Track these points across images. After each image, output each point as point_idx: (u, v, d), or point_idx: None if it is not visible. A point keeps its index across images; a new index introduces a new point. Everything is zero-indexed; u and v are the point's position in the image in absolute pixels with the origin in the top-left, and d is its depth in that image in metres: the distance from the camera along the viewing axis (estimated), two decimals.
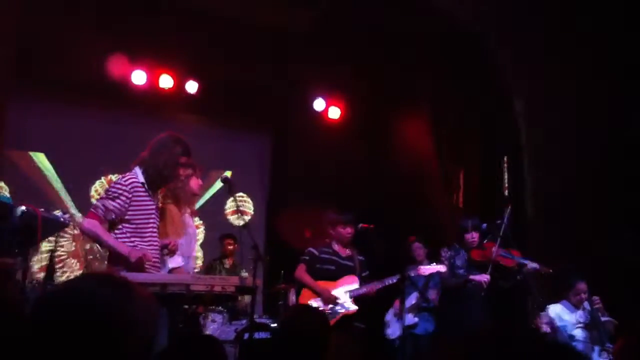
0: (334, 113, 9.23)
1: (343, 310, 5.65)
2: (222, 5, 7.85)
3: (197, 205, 8.60)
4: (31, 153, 8.16)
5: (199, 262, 8.02)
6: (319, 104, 9.15)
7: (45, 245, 4.96)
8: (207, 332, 5.88)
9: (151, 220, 4.21)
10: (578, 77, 6.96)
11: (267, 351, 5.20)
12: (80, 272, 7.61)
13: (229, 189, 4.65)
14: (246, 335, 5.66)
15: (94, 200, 7.97)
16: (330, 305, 5.64)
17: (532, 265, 5.94)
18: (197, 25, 7.67)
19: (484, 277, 5.99)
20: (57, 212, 3.94)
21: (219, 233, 8.05)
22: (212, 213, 8.92)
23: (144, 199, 4.18)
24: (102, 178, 8.45)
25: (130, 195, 4.10)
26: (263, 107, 8.82)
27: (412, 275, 5.78)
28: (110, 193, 4.12)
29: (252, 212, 9.44)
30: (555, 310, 6.07)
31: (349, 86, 8.88)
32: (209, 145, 8.21)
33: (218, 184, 8.52)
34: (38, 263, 3.88)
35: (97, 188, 8.34)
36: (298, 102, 9.10)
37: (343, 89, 9.03)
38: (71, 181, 8.25)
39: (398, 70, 8.38)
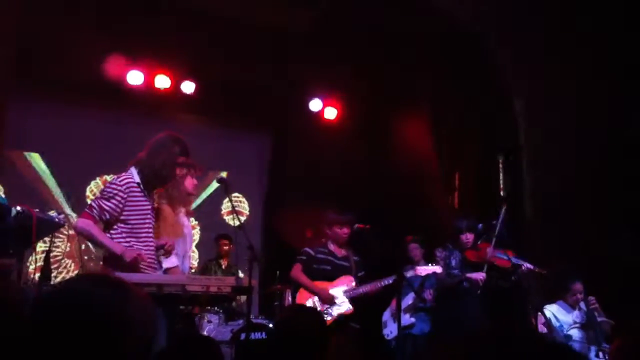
0: (332, 113, 9.22)
1: (340, 311, 5.65)
2: (222, 5, 7.85)
3: (193, 205, 8.65)
4: (26, 153, 8.17)
5: (194, 263, 8.01)
6: (317, 105, 9.14)
7: (40, 246, 4.95)
8: (203, 333, 5.89)
9: (147, 221, 4.20)
10: (578, 77, 6.95)
11: (263, 352, 5.20)
12: (76, 272, 7.64)
13: (225, 189, 4.65)
14: (242, 336, 5.65)
15: (89, 201, 7.99)
16: (327, 306, 5.64)
17: (526, 266, 5.94)
18: (197, 25, 7.67)
19: (480, 275, 5.99)
20: (52, 213, 3.93)
21: (215, 233, 8.06)
22: (208, 213, 8.92)
23: (139, 199, 4.17)
24: (98, 178, 8.46)
25: (125, 196, 4.09)
26: (263, 107, 8.82)
27: (409, 275, 5.78)
28: (105, 193, 4.12)
29: (248, 213, 9.44)
30: (552, 310, 6.07)
31: (349, 86, 8.87)
32: (207, 146, 8.21)
33: (214, 184, 8.51)
34: (33, 264, 3.88)
35: (93, 188, 8.35)
36: (298, 102, 9.10)
37: (343, 89, 9.03)
38: (67, 181, 8.26)
39: (398, 70, 8.37)
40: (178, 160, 4.26)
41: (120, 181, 4.12)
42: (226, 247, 7.70)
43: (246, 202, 9.48)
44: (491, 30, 7.74)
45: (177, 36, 7.65)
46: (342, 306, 5.67)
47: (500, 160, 7.25)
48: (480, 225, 6.23)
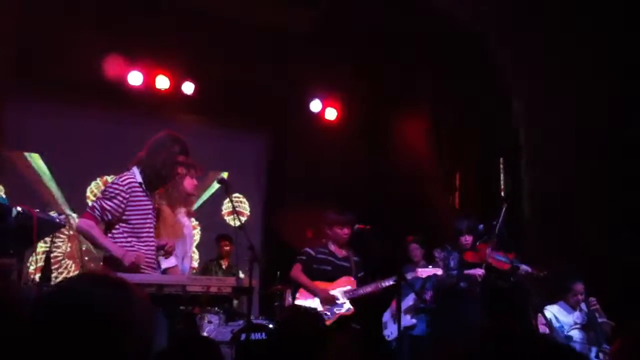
0: (332, 114, 9.22)
1: (340, 311, 5.64)
2: (222, 5, 7.85)
3: (194, 206, 8.65)
4: (26, 153, 8.16)
5: (195, 264, 8.01)
6: (316, 105, 9.14)
7: (41, 246, 4.96)
8: (203, 333, 5.88)
9: (148, 221, 4.20)
10: (578, 77, 6.95)
11: (263, 352, 5.20)
12: (76, 273, 7.63)
13: (226, 189, 4.65)
14: (242, 336, 5.65)
15: (89, 202, 7.98)
16: (327, 306, 5.64)
17: (525, 268, 5.94)
18: (197, 25, 7.66)
19: (479, 271, 6.00)
20: (53, 213, 3.94)
21: (215, 234, 8.06)
22: (209, 214, 8.91)
23: (141, 199, 4.17)
24: (98, 179, 8.46)
25: (127, 196, 4.09)
26: (262, 107, 8.82)
27: (410, 277, 5.78)
28: (107, 193, 4.11)
29: (249, 213, 9.44)
30: (553, 311, 6.08)
31: (349, 86, 8.87)
32: (207, 146, 8.20)
33: (215, 185, 8.50)
34: (33, 264, 3.89)
35: (93, 189, 8.35)
36: (298, 102, 9.10)
37: (343, 89, 9.03)
38: (67, 182, 8.26)
39: (398, 70, 8.37)
40: (178, 159, 4.25)
41: (122, 181, 4.12)
42: (227, 248, 7.69)
43: (247, 202, 9.48)
44: (491, 30, 7.75)
45: (177, 36, 7.65)
46: (343, 307, 5.67)
47: (501, 161, 7.26)
48: (481, 226, 6.23)
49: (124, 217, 4.10)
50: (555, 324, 5.97)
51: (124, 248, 4.03)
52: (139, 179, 4.18)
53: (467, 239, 6.24)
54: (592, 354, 5.70)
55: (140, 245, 4.11)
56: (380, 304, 7.04)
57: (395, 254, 6.34)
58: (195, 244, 8.32)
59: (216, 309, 6.36)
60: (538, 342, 1.56)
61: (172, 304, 3.97)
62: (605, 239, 6.54)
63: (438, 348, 6.10)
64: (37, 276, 4.10)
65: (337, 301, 5.66)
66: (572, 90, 7.06)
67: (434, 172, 8.55)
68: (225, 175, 8.23)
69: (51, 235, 4.06)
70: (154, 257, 4.23)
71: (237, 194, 9.17)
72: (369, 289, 5.70)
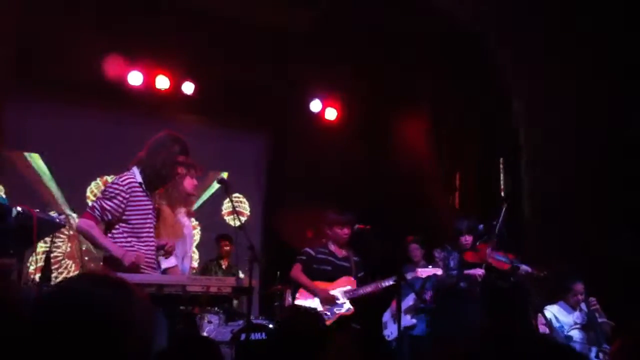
0: (332, 114, 9.22)
1: (340, 311, 5.64)
2: (222, 5, 7.85)
3: (194, 206, 8.65)
4: (26, 153, 8.16)
5: (195, 264, 8.01)
6: (316, 105, 9.14)
7: (41, 246, 4.96)
8: (203, 333, 5.88)
9: (148, 221, 4.20)
10: (578, 77, 6.95)
11: (263, 352, 5.20)
12: (76, 273, 7.62)
13: (226, 190, 4.65)
14: (242, 336, 5.65)
15: (89, 202, 7.98)
16: (328, 306, 5.64)
17: (524, 268, 5.94)
18: (197, 25, 7.66)
19: (479, 271, 6.00)
20: (53, 213, 3.93)
21: (215, 234, 8.06)
22: (209, 214, 8.91)
23: (141, 199, 4.17)
24: (98, 179, 8.45)
25: (127, 196, 4.09)
26: (262, 107, 8.82)
27: (410, 277, 5.77)
28: (107, 193, 4.11)
29: (248, 213, 9.44)
30: (553, 311, 6.08)
31: (349, 86, 8.87)
32: (207, 146, 8.20)
33: (215, 185, 8.50)
34: (33, 264, 3.89)
35: (93, 189, 8.35)
36: (298, 102, 9.10)
37: (343, 89, 9.02)
38: (67, 182, 8.25)
39: (398, 70, 8.36)
40: (178, 159, 4.25)
41: (122, 181, 4.12)
42: (227, 248, 7.69)
43: (246, 202, 9.48)
44: (491, 30, 7.74)
45: (177, 36, 7.65)
46: (343, 307, 5.67)
47: (501, 161, 7.25)
48: (481, 226, 6.23)
49: (124, 217, 4.10)
50: (555, 324, 5.97)
51: (124, 248, 4.04)
52: (139, 179, 4.18)
53: (467, 239, 6.24)
54: (592, 354, 5.70)
55: (140, 245, 4.11)
56: (381, 304, 7.04)
57: (395, 254, 6.33)
58: (195, 244, 8.31)
59: (216, 309, 6.36)
60: (538, 342, 1.55)
61: (172, 304, 3.97)
62: (605, 239, 6.54)
63: (438, 348, 6.09)
64: (37, 276, 4.10)
65: (337, 301, 5.66)
66: (572, 90, 7.06)
67: (434, 172, 8.55)
68: (225, 175, 8.23)
69: (51, 235, 4.06)
70: (154, 257, 4.23)
71: (237, 194, 9.17)
72: (369, 289, 5.70)
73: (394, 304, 6.87)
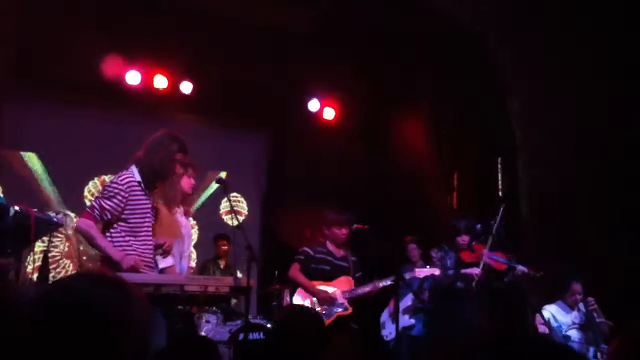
0: (331, 114, 9.21)
1: (338, 311, 5.63)
2: (222, 5, 7.84)
3: (194, 207, 8.65)
4: (22, 153, 8.15)
5: (192, 263, 8.01)
6: (316, 105, 9.14)
7: (38, 246, 4.96)
8: (201, 333, 5.88)
9: (147, 220, 4.20)
10: (578, 77, 6.95)
11: (261, 352, 5.19)
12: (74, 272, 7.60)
13: (224, 189, 4.65)
14: (240, 336, 5.64)
15: (87, 201, 7.98)
16: (326, 306, 5.63)
17: (521, 268, 5.93)
18: (196, 25, 7.66)
19: (475, 270, 6.00)
20: (51, 213, 3.94)
21: (213, 233, 8.04)
22: (206, 213, 8.92)
23: (140, 198, 4.17)
24: (96, 178, 8.45)
25: (126, 195, 4.10)
26: (262, 107, 8.81)
27: (408, 277, 5.76)
28: (106, 192, 4.12)
29: (246, 213, 9.43)
30: (551, 311, 6.08)
31: (349, 86, 8.86)
32: (206, 146, 8.21)
33: (214, 185, 8.50)
34: (31, 264, 3.89)
35: (91, 189, 8.34)
36: (297, 102, 9.10)
37: (343, 89, 9.02)
38: (65, 181, 8.24)
39: (398, 70, 8.36)
40: (176, 157, 4.25)
41: (121, 180, 4.12)
42: (224, 248, 7.67)
43: (244, 202, 9.47)
44: (491, 30, 7.74)
45: (176, 36, 7.64)
46: (341, 307, 5.66)
47: (499, 161, 7.25)
48: (479, 225, 6.22)
49: (123, 216, 4.10)
50: (553, 323, 5.97)
51: (122, 248, 4.03)
52: (138, 177, 4.18)
53: (464, 239, 6.24)
54: (590, 354, 5.70)
55: (138, 245, 4.11)
56: (379, 304, 7.04)
57: (393, 254, 6.33)
58: (192, 243, 8.31)
59: (214, 308, 6.35)
60: (537, 342, 1.54)
61: (170, 303, 3.98)
62: (605, 239, 6.53)
63: (436, 348, 6.08)
64: (35, 276, 4.11)
65: (336, 301, 5.65)
66: (572, 90, 7.06)
67: (434, 172, 8.55)
68: (223, 175, 8.23)
69: (49, 235, 4.06)
70: (152, 256, 4.23)
71: (235, 194, 9.17)
72: (366, 289, 5.69)
73: (391, 304, 6.87)
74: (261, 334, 5.80)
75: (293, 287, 5.86)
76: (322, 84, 8.92)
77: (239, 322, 6.13)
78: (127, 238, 4.09)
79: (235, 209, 8.60)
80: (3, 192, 7.27)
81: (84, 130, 8.20)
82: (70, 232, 7.78)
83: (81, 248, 4.26)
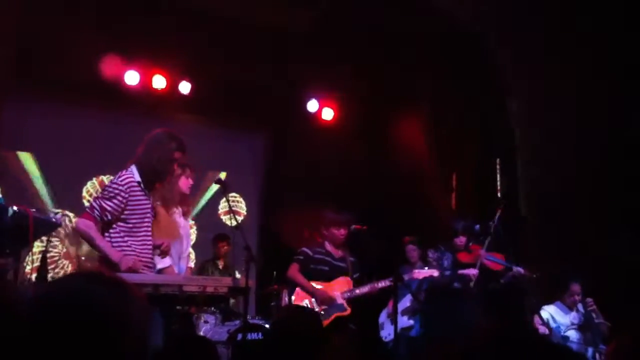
0: (330, 114, 9.21)
1: (337, 312, 5.62)
2: (222, 5, 7.83)
3: (195, 210, 8.66)
4: (19, 153, 8.13)
5: (191, 264, 8.01)
6: (316, 105, 9.13)
7: (37, 246, 4.96)
8: (200, 333, 5.88)
9: (146, 220, 4.20)
10: (578, 77, 6.95)
11: (259, 352, 5.19)
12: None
13: (224, 190, 4.64)
14: (239, 336, 5.64)
15: (85, 201, 7.98)
16: (324, 307, 5.62)
17: (517, 269, 5.93)
18: (196, 25, 7.65)
19: (472, 271, 6.01)
20: (49, 213, 3.94)
21: (212, 233, 8.02)
22: (205, 213, 8.92)
23: (140, 199, 4.17)
24: (94, 179, 8.44)
25: (126, 195, 4.10)
26: (262, 107, 8.81)
27: (406, 278, 5.75)
28: (106, 193, 4.12)
29: (245, 213, 9.43)
30: (549, 312, 6.08)
31: (349, 86, 8.85)
32: (206, 146, 8.21)
33: (215, 187, 8.50)
34: (30, 264, 3.89)
35: (89, 189, 8.33)
36: (297, 102, 9.09)
37: (343, 89, 9.01)
38: (63, 181, 8.23)
39: (398, 70, 8.35)
40: (174, 155, 4.25)
41: (121, 181, 4.12)
42: (225, 248, 7.65)
43: (243, 201, 9.47)
44: (491, 30, 7.74)
45: (176, 36, 7.64)
46: (340, 307, 5.65)
47: (497, 161, 7.25)
48: (478, 226, 6.22)
49: (122, 217, 4.10)
50: (552, 324, 5.98)
51: (120, 248, 4.03)
52: (138, 177, 4.18)
53: (462, 240, 6.25)
54: (589, 355, 5.70)
55: (137, 245, 4.11)
56: (378, 305, 7.03)
57: (391, 255, 6.31)
58: (191, 244, 8.30)
59: (212, 309, 6.34)
60: (536, 342, 1.55)
61: (169, 303, 3.98)
62: (605, 239, 6.53)
63: (434, 348, 6.08)
64: (34, 276, 4.11)
65: (334, 302, 5.64)
66: (572, 90, 7.06)
67: (433, 173, 8.55)
68: (223, 176, 8.23)
69: (48, 235, 4.06)
70: (151, 256, 4.23)
71: (233, 194, 9.17)
72: (365, 289, 5.68)
73: (390, 305, 6.86)
74: (259, 334, 5.81)
75: (292, 288, 5.85)
76: (322, 84, 8.91)
77: (237, 322, 6.13)
78: (126, 238, 4.09)
79: (234, 209, 8.59)
80: (2, 193, 7.26)
81: (83, 130, 8.18)
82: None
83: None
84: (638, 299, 5.98)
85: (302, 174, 8.81)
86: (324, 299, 5.61)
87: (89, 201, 7.03)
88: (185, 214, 5.19)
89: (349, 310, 5.64)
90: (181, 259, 5.08)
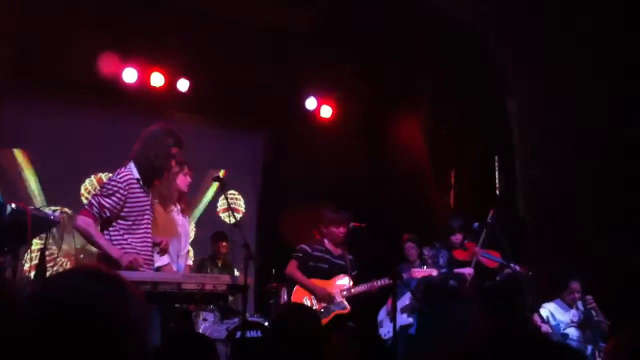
0: (329, 112, 9.21)
1: (336, 310, 5.62)
2: (222, 5, 7.84)
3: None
4: (15, 150, 8.12)
5: (190, 262, 8.00)
6: (313, 104, 9.13)
7: (36, 243, 4.95)
8: (199, 331, 5.87)
9: (145, 217, 4.19)
10: (578, 77, 6.95)
11: (258, 350, 5.19)
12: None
13: (222, 187, 4.64)
14: (238, 334, 5.63)
15: (83, 199, 7.98)
16: (324, 304, 5.61)
17: (513, 266, 5.93)
18: (196, 25, 7.66)
19: (467, 270, 6.01)
20: (47, 210, 3.94)
21: (210, 231, 8.02)
22: (204, 211, 8.92)
23: (139, 196, 4.16)
24: (92, 176, 8.44)
25: (125, 192, 4.09)
26: (262, 107, 8.81)
27: (405, 277, 5.75)
28: (105, 190, 4.11)
29: (244, 210, 9.42)
30: (549, 309, 6.08)
31: (349, 86, 8.85)
32: (207, 145, 8.20)
33: (215, 186, 8.48)
34: (28, 262, 3.88)
35: (87, 186, 8.33)
36: (297, 102, 9.09)
37: (343, 89, 9.01)
38: (62, 180, 8.22)
39: (398, 70, 8.35)
40: (172, 151, 4.23)
41: (120, 178, 4.11)
42: (224, 244, 7.62)
43: (242, 199, 9.46)
44: (491, 30, 7.74)
45: (177, 36, 7.64)
46: (339, 305, 5.64)
47: (496, 160, 7.26)
48: (476, 224, 6.22)
49: (122, 214, 4.10)
50: (552, 321, 5.98)
51: (120, 245, 4.03)
52: (137, 175, 4.17)
53: (458, 237, 6.27)
54: (588, 352, 5.70)
55: (137, 242, 4.10)
56: (377, 303, 7.03)
57: (390, 253, 6.31)
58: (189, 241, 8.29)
59: (211, 306, 6.34)
60: (536, 341, 1.54)
61: (168, 301, 3.97)
62: (605, 239, 6.54)
63: (434, 347, 6.08)
64: (32, 274, 4.09)
65: (334, 299, 5.63)
66: (572, 90, 7.06)
67: (433, 172, 8.55)
68: (222, 173, 8.22)
69: (47, 233, 4.06)
70: (150, 253, 4.22)
71: (232, 191, 9.16)
72: (364, 287, 5.68)
73: (389, 303, 6.86)
74: (258, 332, 5.80)
75: (290, 285, 5.84)
76: (322, 84, 8.91)
77: (236, 320, 6.12)
78: (126, 236, 4.08)
79: (233, 206, 8.59)
80: (1, 191, 7.25)
81: (82, 129, 8.18)
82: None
83: (78, 246, 4.25)
84: (638, 299, 5.97)
85: (301, 174, 8.80)
86: (323, 297, 5.59)
87: (87, 199, 7.03)
88: (183, 212, 5.19)
89: (348, 309, 5.63)
90: (179, 256, 5.07)
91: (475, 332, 5.32)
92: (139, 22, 7.46)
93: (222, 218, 9.13)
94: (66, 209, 7.81)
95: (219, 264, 7.61)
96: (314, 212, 6.05)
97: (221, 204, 9.15)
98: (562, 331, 5.93)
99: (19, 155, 8.12)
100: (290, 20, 8.14)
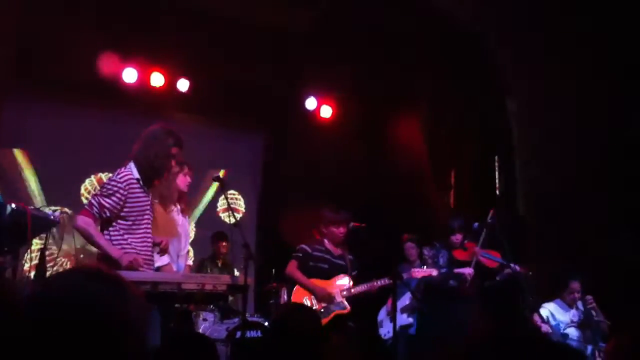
0: (329, 112, 9.21)
1: (336, 310, 5.61)
2: (222, 5, 7.84)
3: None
4: (15, 150, 8.13)
5: (190, 262, 7.99)
6: (313, 103, 9.14)
7: (36, 243, 4.95)
8: (199, 331, 5.87)
9: (146, 217, 4.19)
10: (578, 77, 6.96)
11: (258, 350, 5.19)
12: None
13: (222, 187, 4.64)
14: (238, 334, 5.63)
15: (83, 199, 7.98)
16: (324, 304, 5.61)
17: (513, 266, 5.94)
18: (196, 25, 7.66)
19: (467, 270, 6.02)
20: (47, 210, 3.94)
21: (210, 231, 8.02)
22: (204, 211, 8.91)
23: (139, 196, 4.16)
24: (92, 176, 8.44)
25: (125, 192, 4.09)
26: (262, 107, 8.81)
27: (405, 277, 5.75)
28: (105, 190, 4.11)
29: (244, 210, 9.42)
30: (549, 309, 6.08)
31: (349, 86, 8.85)
32: (207, 145, 8.20)
33: (215, 186, 8.48)
34: (28, 262, 3.88)
35: (87, 186, 8.33)
36: (297, 102, 9.09)
37: (342, 89, 9.01)
38: (62, 180, 8.22)
39: (398, 70, 8.35)
40: (172, 151, 4.23)
41: (120, 178, 4.11)
42: (224, 244, 7.62)
43: (242, 199, 9.47)
44: (491, 30, 7.75)
45: (177, 36, 7.64)
46: (339, 305, 5.64)
47: (496, 160, 7.26)
48: (476, 224, 6.22)
49: (122, 214, 4.09)
50: (552, 322, 5.98)
51: (120, 245, 4.03)
52: (136, 174, 4.17)
53: (458, 237, 6.27)
54: (588, 352, 5.70)
55: (137, 242, 4.10)
56: (377, 303, 7.03)
57: (390, 253, 6.31)
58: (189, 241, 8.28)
59: (211, 306, 6.34)
60: (536, 341, 1.54)
61: (168, 301, 3.97)
62: (605, 239, 6.54)
63: (434, 348, 6.08)
64: (32, 274, 4.10)
65: (333, 299, 5.63)
66: (572, 90, 7.07)
67: (433, 172, 8.55)
68: (222, 173, 8.23)
69: (47, 233, 4.06)
70: (150, 253, 4.22)
71: (232, 191, 9.16)
72: (364, 287, 5.68)
73: (389, 303, 6.86)
74: (258, 332, 5.80)
75: (290, 285, 5.84)
76: (322, 84, 8.91)
77: (236, 320, 6.12)
78: (126, 236, 4.08)
79: (233, 206, 8.59)
80: (1, 191, 7.25)
81: (83, 129, 8.18)
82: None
83: (78, 246, 4.25)
84: (638, 299, 5.97)
85: (301, 174, 8.80)
86: (323, 297, 5.59)
87: (87, 199, 7.03)
88: (183, 212, 5.19)
89: (348, 309, 5.63)
90: (179, 256, 5.07)
91: (475, 332, 5.32)
92: (139, 22, 7.46)
93: (222, 218, 9.13)
94: (66, 209, 7.80)
95: (219, 264, 7.61)
96: (314, 212, 6.05)
97: (221, 204, 9.15)
98: (562, 331, 5.94)
99: (19, 155, 8.12)
100: (290, 20, 8.14)
